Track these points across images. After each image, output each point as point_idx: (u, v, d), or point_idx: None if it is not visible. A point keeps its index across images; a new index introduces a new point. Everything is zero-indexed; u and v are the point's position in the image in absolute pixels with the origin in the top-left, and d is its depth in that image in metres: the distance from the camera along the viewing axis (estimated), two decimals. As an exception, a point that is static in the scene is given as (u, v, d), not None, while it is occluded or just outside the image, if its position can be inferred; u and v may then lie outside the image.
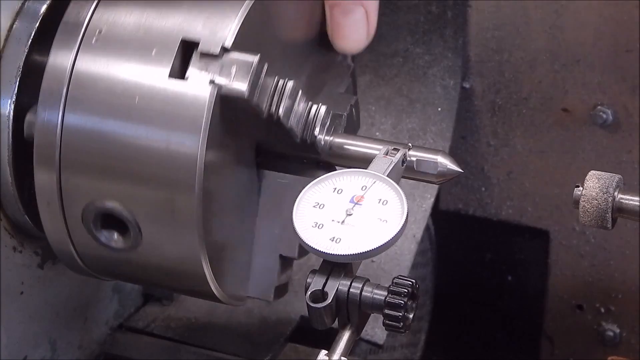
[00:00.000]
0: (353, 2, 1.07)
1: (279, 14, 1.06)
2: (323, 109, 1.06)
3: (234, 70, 0.97)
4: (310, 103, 1.06)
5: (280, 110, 1.02)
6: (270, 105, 1.02)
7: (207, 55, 0.98)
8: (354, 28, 1.09)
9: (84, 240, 1.05)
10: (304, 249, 1.00)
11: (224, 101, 0.98)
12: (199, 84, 0.98)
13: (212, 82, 0.97)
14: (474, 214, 1.57)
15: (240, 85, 0.97)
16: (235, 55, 0.98)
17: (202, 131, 0.97)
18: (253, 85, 0.98)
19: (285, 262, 1.11)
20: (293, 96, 1.03)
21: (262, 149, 1.10)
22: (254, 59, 0.98)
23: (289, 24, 1.10)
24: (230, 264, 1.07)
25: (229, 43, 0.98)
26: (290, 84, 1.02)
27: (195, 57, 0.99)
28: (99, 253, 1.05)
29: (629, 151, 1.43)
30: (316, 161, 1.10)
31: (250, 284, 1.09)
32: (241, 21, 0.99)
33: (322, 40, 1.16)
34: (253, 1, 1.00)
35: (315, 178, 1.01)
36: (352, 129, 1.15)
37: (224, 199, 1.04)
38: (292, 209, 0.98)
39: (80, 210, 1.03)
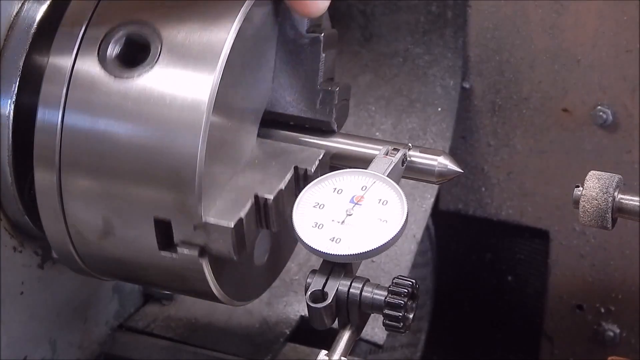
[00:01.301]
0: None
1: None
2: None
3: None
4: None
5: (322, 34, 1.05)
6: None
7: None
8: None
9: (84, 240, 1.05)
10: (279, 201, 1.00)
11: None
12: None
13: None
14: (474, 214, 1.57)
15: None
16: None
17: (202, 132, 0.97)
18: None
19: (258, 207, 1.04)
20: (332, 40, 1.06)
21: (269, 113, 1.10)
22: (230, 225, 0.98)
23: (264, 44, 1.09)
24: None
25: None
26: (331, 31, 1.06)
27: None
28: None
29: (629, 151, 1.43)
30: (320, 128, 1.10)
31: (213, 210, 1.01)
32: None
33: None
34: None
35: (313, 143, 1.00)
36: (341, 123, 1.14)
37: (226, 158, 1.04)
38: (281, 164, 0.99)
39: (81, 211, 1.03)
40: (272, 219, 1.02)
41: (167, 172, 0.98)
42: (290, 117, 1.10)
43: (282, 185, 1.03)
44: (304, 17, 1.04)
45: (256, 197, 1.02)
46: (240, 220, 0.99)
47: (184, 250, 1.00)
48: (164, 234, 1.01)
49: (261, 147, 1.08)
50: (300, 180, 1.05)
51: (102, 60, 1.01)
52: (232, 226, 0.98)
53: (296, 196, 1.01)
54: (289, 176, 1.04)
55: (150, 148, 0.98)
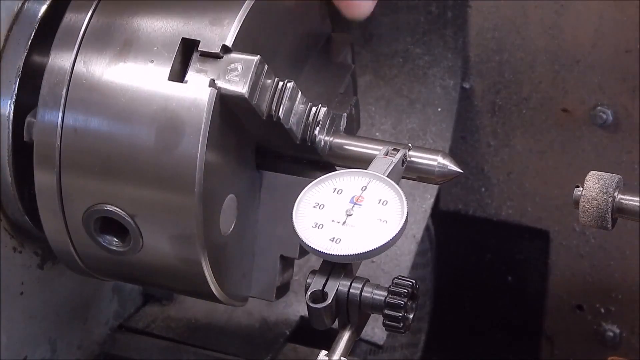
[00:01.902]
0: None
1: (279, 14, 1.06)
2: (323, 110, 1.06)
3: (234, 70, 0.97)
4: (310, 104, 1.06)
5: (281, 111, 1.02)
6: (271, 105, 1.02)
7: (207, 55, 0.98)
8: None
9: (84, 241, 1.05)
10: (305, 249, 1.00)
11: (224, 102, 0.98)
12: (198, 86, 0.98)
13: (212, 83, 0.97)
14: (474, 215, 1.57)
15: (240, 87, 0.97)
16: (236, 55, 0.98)
17: (202, 134, 0.97)
18: (253, 86, 0.98)
19: (287, 262, 1.11)
20: (293, 97, 1.03)
21: (262, 149, 1.10)
22: (255, 59, 0.98)
23: (288, 24, 1.10)
24: (230, 265, 1.07)
25: (229, 42, 0.98)
26: (290, 84, 1.02)
27: (195, 57, 0.99)
28: (99, 255, 1.05)
29: (629, 151, 1.43)
30: (316, 162, 1.10)
31: (252, 284, 1.10)
32: (241, 21, 0.99)
33: (320, 41, 1.15)
34: (253, 1, 1.00)
35: (315, 178, 1.01)
36: (352, 129, 1.15)
37: (224, 199, 1.04)
38: (292, 209, 0.98)
39: (81, 211, 1.03)
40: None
41: (168, 174, 0.98)
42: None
43: None
44: (350, 18, 1.08)
45: (282, 257, 1.10)
46: (278, 287, 1.11)
47: None
48: None
49: (268, 186, 1.10)
50: None
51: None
52: (274, 299, 1.11)
53: None
54: None
55: (150, 148, 0.98)
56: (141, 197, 1.00)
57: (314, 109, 1.06)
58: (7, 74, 1.07)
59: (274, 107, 1.02)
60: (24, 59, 1.07)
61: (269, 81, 1.01)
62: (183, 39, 0.99)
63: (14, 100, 1.07)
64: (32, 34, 1.08)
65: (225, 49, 0.98)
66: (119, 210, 1.00)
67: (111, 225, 1.03)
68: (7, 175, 1.08)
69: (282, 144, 1.08)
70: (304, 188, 1.00)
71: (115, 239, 1.03)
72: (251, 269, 1.10)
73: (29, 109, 1.05)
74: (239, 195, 1.07)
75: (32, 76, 1.07)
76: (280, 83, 1.02)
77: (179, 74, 0.99)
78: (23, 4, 1.08)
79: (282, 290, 1.13)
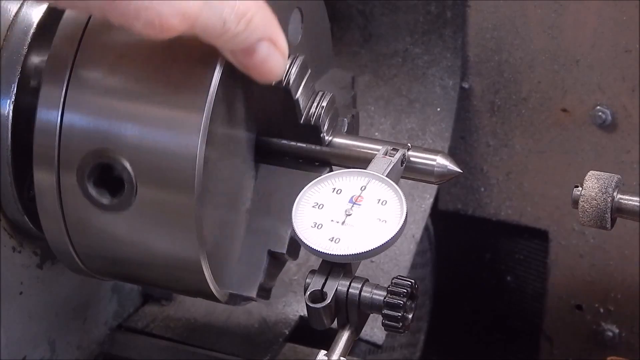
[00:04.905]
0: (250, 41, 0.93)
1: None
2: (329, 95, 1.06)
3: None
4: (316, 88, 1.06)
5: (291, 80, 1.02)
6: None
7: None
8: (268, 64, 0.95)
9: (84, 240, 1.05)
10: (294, 247, 1.00)
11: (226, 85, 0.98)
12: None
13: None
14: (473, 214, 1.57)
15: None
16: None
17: (202, 134, 0.97)
18: None
19: (274, 261, 1.09)
20: (303, 72, 1.03)
21: (262, 142, 1.10)
22: None
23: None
24: (226, 262, 1.07)
25: None
26: (301, 58, 1.02)
27: None
28: (87, 218, 1.03)
29: (628, 151, 1.43)
30: (314, 156, 1.10)
31: (233, 278, 1.07)
32: None
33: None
34: None
35: (311, 173, 1.00)
36: None
37: (221, 195, 1.04)
38: (285, 203, 0.98)
39: (80, 210, 1.03)
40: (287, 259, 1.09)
41: (167, 172, 0.98)
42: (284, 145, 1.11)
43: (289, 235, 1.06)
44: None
45: (270, 252, 1.07)
46: (261, 284, 1.07)
47: None
48: None
49: (263, 177, 1.09)
50: None
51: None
52: (255, 295, 1.06)
53: None
54: None
55: (150, 148, 0.98)
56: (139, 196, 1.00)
57: (320, 92, 1.06)
58: (7, 74, 1.07)
59: (284, 75, 1.02)
60: (23, 59, 1.07)
61: None
62: None
63: (13, 100, 1.07)
64: (32, 34, 1.08)
65: None
66: (118, 158, 0.99)
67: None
68: (6, 175, 1.08)
69: (283, 130, 1.07)
70: (299, 181, 1.00)
71: (108, 193, 1.01)
72: (237, 262, 1.09)
73: (29, 109, 1.05)
74: (235, 190, 1.06)
75: (31, 76, 1.07)
76: (291, 55, 1.02)
77: None
78: (22, 4, 1.08)
79: (265, 291, 1.10)
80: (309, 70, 1.04)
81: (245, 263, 1.07)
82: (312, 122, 1.06)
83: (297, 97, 1.04)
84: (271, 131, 1.08)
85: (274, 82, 1.00)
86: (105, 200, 1.01)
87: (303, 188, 1.00)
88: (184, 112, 0.97)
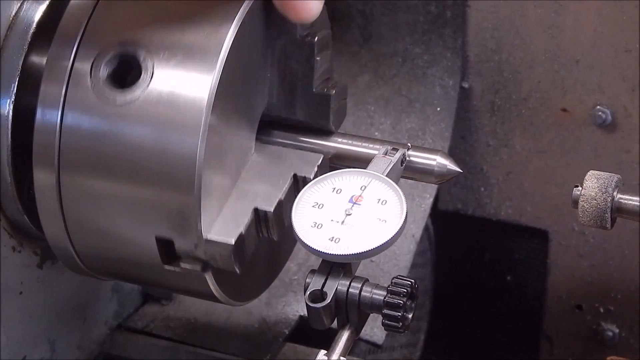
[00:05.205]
0: None
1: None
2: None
3: None
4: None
5: (317, 37, 1.03)
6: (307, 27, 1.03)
7: None
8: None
9: (84, 240, 1.05)
10: (279, 212, 0.99)
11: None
12: None
13: None
14: (473, 214, 1.57)
15: None
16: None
17: (201, 134, 0.97)
18: None
19: (258, 219, 1.05)
20: (327, 40, 1.05)
21: (267, 118, 1.09)
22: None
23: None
24: (214, 210, 1.06)
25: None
26: (328, 32, 1.04)
27: None
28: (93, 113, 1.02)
29: (628, 151, 1.43)
30: (319, 129, 1.10)
31: (214, 227, 1.01)
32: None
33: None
34: None
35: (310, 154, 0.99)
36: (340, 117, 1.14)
37: (224, 158, 1.03)
38: (277, 174, 0.98)
39: (80, 210, 1.03)
40: (272, 229, 1.03)
41: (167, 173, 0.98)
42: (287, 120, 1.10)
43: (282, 196, 1.03)
44: (297, 22, 1.01)
45: (256, 210, 1.02)
46: (241, 235, 1.00)
47: (186, 265, 1.01)
48: (166, 250, 1.02)
49: (260, 152, 1.08)
50: (300, 187, 1.05)
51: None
52: (233, 243, 0.99)
53: None
54: (287, 185, 1.04)
55: (150, 148, 0.98)
56: (139, 195, 1.00)
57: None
58: (7, 74, 1.07)
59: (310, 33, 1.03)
60: (23, 59, 1.07)
61: None
62: None
63: (13, 100, 1.07)
64: (31, 34, 1.08)
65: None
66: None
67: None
68: (6, 175, 1.08)
69: (294, 100, 1.08)
70: (297, 157, 1.00)
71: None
72: (220, 213, 1.05)
73: (28, 109, 1.05)
74: (235, 158, 1.06)
75: (31, 76, 1.07)
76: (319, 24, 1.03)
77: None
78: (22, 4, 1.08)
79: (243, 246, 1.03)
80: (330, 46, 1.04)
81: (229, 215, 1.03)
82: (325, 92, 1.06)
83: (317, 57, 1.04)
84: (280, 103, 1.08)
85: (303, 22, 1.00)
86: (117, 92, 1.00)
87: (298, 164, 1.00)
88: (184, 112, 0.98)
